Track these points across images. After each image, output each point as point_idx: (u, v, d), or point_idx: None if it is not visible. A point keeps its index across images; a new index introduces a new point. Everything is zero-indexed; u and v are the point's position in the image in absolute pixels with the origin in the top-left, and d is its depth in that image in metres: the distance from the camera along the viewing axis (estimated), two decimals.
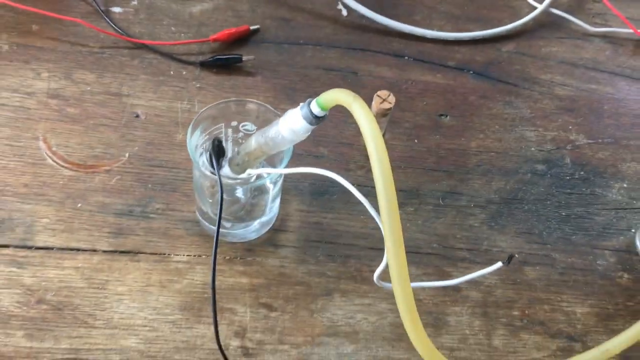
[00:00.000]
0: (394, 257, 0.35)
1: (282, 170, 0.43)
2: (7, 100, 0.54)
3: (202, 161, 0.46)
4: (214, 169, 0.46)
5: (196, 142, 0.46)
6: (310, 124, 0.40)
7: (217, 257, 0.49)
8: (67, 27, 0.60)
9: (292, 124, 0.41)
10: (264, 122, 0.47)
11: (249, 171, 0.45)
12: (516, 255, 0.52)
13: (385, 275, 0.40)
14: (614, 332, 0.47)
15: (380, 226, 0.37)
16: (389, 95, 0.54)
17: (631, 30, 0.69)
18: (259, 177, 0.46)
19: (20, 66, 0.57)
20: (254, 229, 0.50)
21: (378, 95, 0.54)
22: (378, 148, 0.35)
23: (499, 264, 0.43)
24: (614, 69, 0.67)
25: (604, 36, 0.70)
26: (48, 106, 0.55)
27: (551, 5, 0.70)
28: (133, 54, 0.59)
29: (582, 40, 0.69)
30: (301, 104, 0.41)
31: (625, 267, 0.53)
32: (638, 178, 0.59)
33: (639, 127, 0.62)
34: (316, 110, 0.40)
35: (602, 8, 0.72)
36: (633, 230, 0.55)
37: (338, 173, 0.56)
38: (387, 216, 0.35)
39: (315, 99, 0.40)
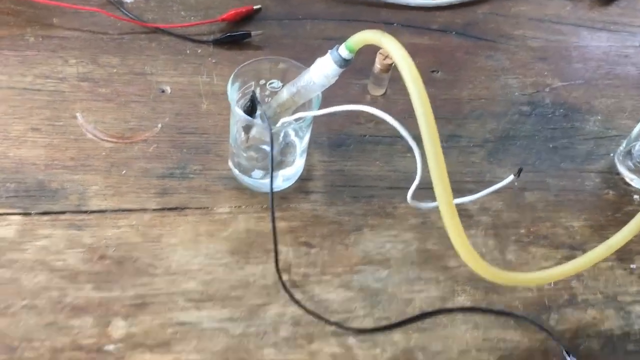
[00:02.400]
0: (434, 161, 0.41)
1: (313, 112, 0.49)
2: (42, 86, 0.59)
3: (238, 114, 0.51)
4: (257, 119, 0.51)
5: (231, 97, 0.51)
6: (340, 66, 0.46)
7: (256, 207, 0.54)
8: (86, 18, 0.64)
9: (324, 69, 0.47)
10: (289, 79, 0.53)
11: (282, 120, 0.50)
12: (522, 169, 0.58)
13: (416, 195, 0.46)
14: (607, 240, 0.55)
15: (411, 144, 0.43)
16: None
17: None
18: (286, 124, 0.52)
19: (49, 55, 0.61)
20: (286, 178, 0.56)
21: (380, 53, 0.61)
22: (411, 70, 0.41)
23: (512, 177, 0.50)
24: (575, 22, 0.75)
25: None
26: (80, 88, 0.59)
27: None
28: (150, 37, 0.64)
29: None
30: (329, 50, 0.47)
31: (609, 185, 0.61)
32: (609, 111, 0.67)
33: (603, 68, 0.71)
34: (345, 53, 0.46)
35: None
36: (612, 155, 0.63)
37: (351, 127, 0.62)
38: (425, 129, 0.41)
39: (343, 44, 0.46)
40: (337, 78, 0.48)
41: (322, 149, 0.59)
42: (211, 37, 0.65)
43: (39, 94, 0.58)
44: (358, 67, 0.65)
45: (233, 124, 0.52)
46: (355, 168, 0.58)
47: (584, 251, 0.56)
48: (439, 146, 0.41)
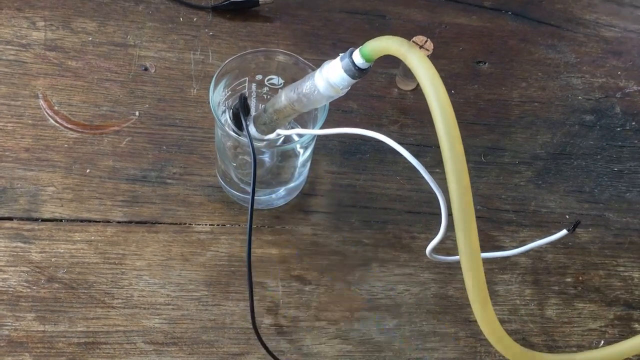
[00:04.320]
0: (463, 231, 0.31)
1: (317, 131, 0.38)
2: (0, 54, 0.49)
3: (224, 119, 0.41)
4: (241, 129, 0.41)
5: (218, 99, 0.40)
6: (353, 77, 0.35)
7: (243, 226, 0.45)
8: None
9: (331, 77, 0.36)
10: (292, 75, 0.42)
11: (278, 131, 0.40)
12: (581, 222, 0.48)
13: (439, 248, 0.36)
14: None
15: (438, 194, 0.32)
16: (425, 42, 0.49)
17: None
18: (287, 139, 0.41)
19: (13, 14, 0.51)
20: (282, 194, 0.45)
21: (414, 42, 0.49)
22: (443, 106, 0.30)
23: (564, 232, 0.39)
24: None
25: None
26: (46, 59, 0.49)
27: None
28: None
29: None
30: (341, 54, 0.36)
31: None
32: None
33: None
34: (359, 61, 0.35)
35: None
36: None
37: (370, 129, 0.51)
38: (454, 183, 0.30)
39: (358, 48, 0.35)
40: (348, 89, 0.37)
41: (332, 155, 0.49)
42: (211, 2, 0.54)
43: None
44: None
45: (218, 128, 0.41)
46: (370, 184, 0.48)
47: None
48: (471, 203, 0.30)
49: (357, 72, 0.35)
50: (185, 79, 0.50)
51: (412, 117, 0.51)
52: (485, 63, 0.55)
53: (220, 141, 0.42)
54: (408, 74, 0.51)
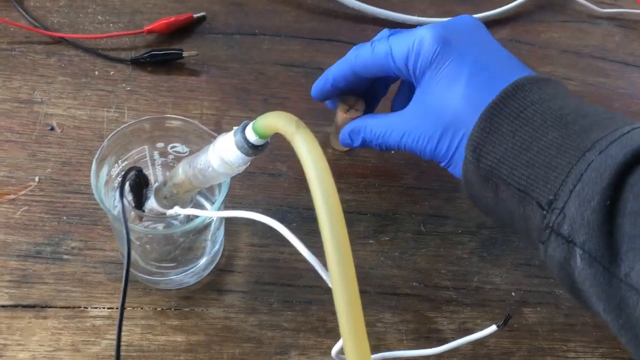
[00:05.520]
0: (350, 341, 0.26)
1: (209, 212, 0.34)
2: None
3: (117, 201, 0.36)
4: (139, 204, 0.37)
5: (110, 173, 0.36)
6: (247, 154, 0.31)
7: (146, 308, 0.40)
8: None
9: (224, 154, 0.32)
10: (197, 140, 0.37)
11: (175, 209, 0.35)
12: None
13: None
14: None
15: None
16: (356, 102, 0.44)
17: None
18: (190, 218, 0.37)
19: None
20: (193, 272, 0.41)
21: (344, 103, 0.44)
22: (328, 200, 0.25)
23: (493, 328, 0.34)
24: (625, 58, 0.57)
25: (613, 18, 0.60)
26: None
27: None
28: (50, 50, 0.49)
29: (588, 23, 0.59)
30: (235, 128, 0.31)
31: None
32: None
33: None
34: (253, 137, 0.30)
35: None
36: None
37: (298, 195, 0.46)
38: (340, 288, 0.26)
39: (252, 123, 0.30)
40: (246, 166, 0.32)
41: (254, 225, 0.44)
42: (131, 54, 0.49)
43: None
44: (321, 108, 0.49)
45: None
46: (295, 257, 0.43)
47: None
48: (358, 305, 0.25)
49: (251, 150, 0.31)
50: (96, 139, 0.45)
51: (346, 182, 0.47)
52: None
53: (117, 229, 0.38)
54: None
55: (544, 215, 0.31)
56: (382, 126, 0.40)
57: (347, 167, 0.48)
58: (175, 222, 0.41)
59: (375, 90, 0.45)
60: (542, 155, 0.31)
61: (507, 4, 0.58)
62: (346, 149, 0.48)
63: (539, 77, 0.35)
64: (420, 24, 0.56)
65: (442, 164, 0.38)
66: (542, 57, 0.56)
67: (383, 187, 0.47)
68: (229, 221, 0.43)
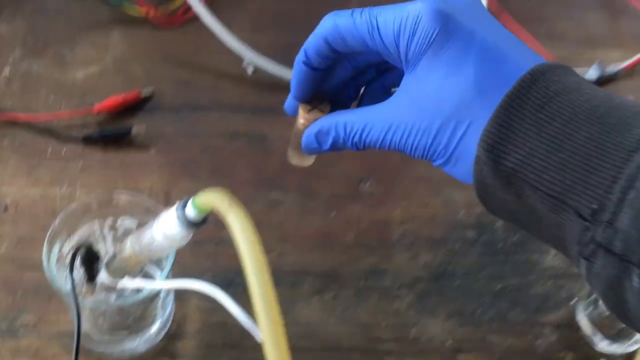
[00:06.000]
0: None
1: (156, 284, 0.36)
2: None
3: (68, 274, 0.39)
4: (91, 277, 0.39)
5: (62, 251, 0.39)
6: (188, 229, 0.34)
7: None
8: None
9: (167, 229, 0.34)
10: (145, 214, 0.40)
11: (124, 281, 0.38)
12: None
13: None
14: None
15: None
16: (321, 102, 0.37)
17: None
18: (137, 290, 0.39)
19: None
20: (145, 340, 0.43)
21: (306, 103, 0.37)
22: (259, 277, 0.28)
23: None
24: None
25: None
26: None
27: None
28: (2, 133, 0.52)
29: None
30: (177, 203, 0.34)
31: (568, 344, 0.48)
32: None
33: None
34: (192, 213, 0.33)
35: None
36: (576, 299, 0.50)
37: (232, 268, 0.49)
38: (270, 346, 0.28)
39: (191, 199, 0.34)
40: (189, 239, 0.35)
41: (200, 296, 0.46)
42: (83, 133, 0.53)
43: None
44: (267, 177, 0.52)
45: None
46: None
47: None
48: None
49: (191, 224, 0.34)
50: (49, 216, 0.48)
51: (291, 244, 0.50)
52: (367, 182, 0.55)
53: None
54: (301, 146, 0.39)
55: (586, 227, 0.27)
56: (360, 120, 0.34)
57: (293, 229, 0.51)
58: (126, 292, 0.43)
59: (345, 93, 0.39)
60: (577, 156, 0.27)
61: None
62: (308, 163, 0.42)
63: (558, 64, 0.30)
64: None
65: (437, 162, 0.32)
66: None
67: (326, 247, 0.51)
68: (177, 293, 0.46)
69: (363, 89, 0.38)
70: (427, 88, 0.31)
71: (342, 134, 0.34)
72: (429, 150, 0.32)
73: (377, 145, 0.33)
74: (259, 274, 0.28)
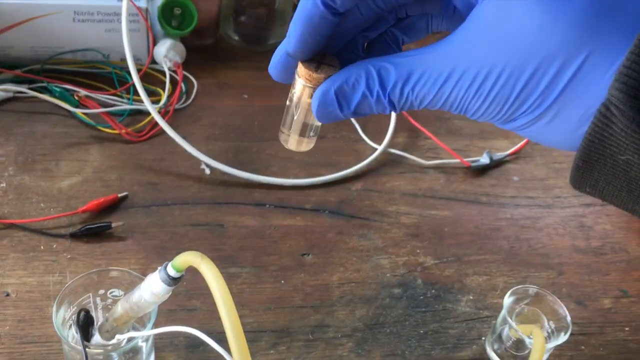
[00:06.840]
0: None
1: (149, 332, 0.46)
2: None
3: (71, 335, 0.48)
4: (87, 338, 0.49)
5: (64, 316, 0.48)
6: (169, 285, 0.45)
7: None
8: None
9: (153, 287, 0.45)
10: (129, 285, 0.50)
11: (117, 336, 0.47)
12: None
13: None
14: None
15: None
16: (327, 57, 0.30)
17: (458, 160, 0.80)
18: (130, 339, 0.49)
19: None
20: None
21: (309, 61, 0.30)
22: (229, 312, 0.39)
23: None
24: (449, 195, 0.77)
25: (437, 167, 0.81)
26: None
27: (388, 146, 0.81)
28: (2, 234, 0.62)
29: (419, 173, 0.80)
30: (159, 268, 0.45)
31: None
32: (481, 290, 0.66)
33: (476, 243, 0.71)
34: (172, 272, 0.44)
35: (432, 144, 0.83)
36: (483, 338, 0.62)
37: (211, 323, 0.59)
38: None
39: (170, 262, 0.45)
40: (169, 294, 0.46)
41: (178, 351, 0.56)
42: (70, 230, 0.63)
43: None
44: (223, 256, 0.63)
45: (64, 344, 0.48)
46: None
47: None
48: None
49: (172, 281, 0.44)
50: (44, 299, 0.57)
51: (248, 308, 0.60)
52: (309, 255, 0.67)
53: (69, 354, 0.49)
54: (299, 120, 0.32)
55: None
56: (405, 66, 0.26)
57: (249, 296, 0.62)
58: (114, 354, 0.52)
59: (350, 50, 0.31)
60: None
61: (359, 163, 0.78)
62: (307, 147, 0.35)
63: None
64: (295, 186, 0.74)
65: (521, 120, 0.25)
66: (388, 200, 0.75)
67: (278, 309, 0.61)
68: (158, 349, 0.55)
69: (365, 45, 0.31)
70: (517, 17, 0.23)
71: (376, 86, 0.26)
72: (514, 102, 0.24)
73: (428, 100, 0.26)
74: (227, 302, 0.39)
